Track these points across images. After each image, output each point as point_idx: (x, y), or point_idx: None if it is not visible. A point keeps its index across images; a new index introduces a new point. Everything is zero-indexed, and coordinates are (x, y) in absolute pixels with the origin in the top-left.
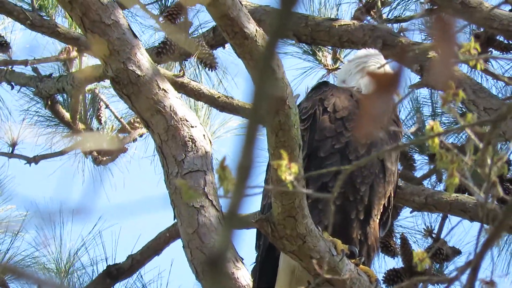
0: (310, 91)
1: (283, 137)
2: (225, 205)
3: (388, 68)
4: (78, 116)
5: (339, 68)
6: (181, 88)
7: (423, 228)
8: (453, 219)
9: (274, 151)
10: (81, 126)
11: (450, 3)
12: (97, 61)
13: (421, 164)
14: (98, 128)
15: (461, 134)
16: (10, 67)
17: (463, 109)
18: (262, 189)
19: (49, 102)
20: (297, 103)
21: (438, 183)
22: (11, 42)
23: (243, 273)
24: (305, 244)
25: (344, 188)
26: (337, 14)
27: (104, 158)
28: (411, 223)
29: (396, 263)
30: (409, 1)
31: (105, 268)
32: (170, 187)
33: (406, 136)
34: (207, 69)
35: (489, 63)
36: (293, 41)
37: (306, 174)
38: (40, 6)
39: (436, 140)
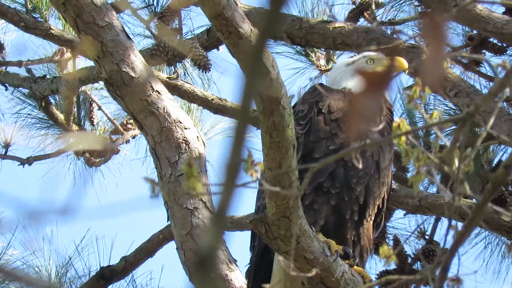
0: (305, 93)
1: (277, 137)
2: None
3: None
4: (71, 118)
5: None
6: (175, 90)
7: (417, 230)
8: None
9: (269, 152)
10: (75, 127)
11: (444, 6)
12: (91, 63)
13: (407, 164)
14: (91, 129)
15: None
16: (4, 68)
17: (456, 111)
18: (257, 191)
19: (43, 104)
20: (292, 104)
21: (431, 184)
22: (4, 43)
23: (237, 275)
24: (299, 245)
25: (339, 189)
26: (330, 15)
27: (97, 160)
28: (403, 224)
29: (389, 264)
30: (403, 3)
31: (98, 270)
32: (164, 189)
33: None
34: (201, 70)
35: (482, 65)
36: (286, 42)
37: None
38: (34, 7)
39: (403, 138)
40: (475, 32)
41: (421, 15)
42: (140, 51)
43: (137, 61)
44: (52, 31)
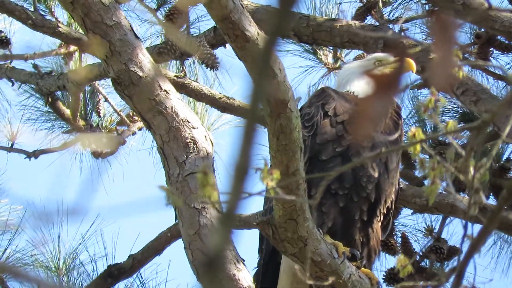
0: (312, 96)
1: (284, 140)
2: (223, 206)
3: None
4: (78, 113)
5: (340, 67)
6: (182, 88)
7: (424, 227)
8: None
9: (276, 154)
10: (81, 122)
11: (452, 4)
12: (95, 58)
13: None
14: (97, 122)
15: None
16: (9, 62)
17: (464, 109)
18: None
19: (50, 100)
20: (299, 106)
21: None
22: (10, 36)
23: (244, 275)
24: (306, 247)
25: (348, 190)
26: (337, 13)
27: (103, 151)
28: (412, 221)
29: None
30: (410, 2)
31: (106, 268)
32: (172, 188)
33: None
34: (208, 69)
35: (490, 62)
36: (294, 40)
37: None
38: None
39: (418, 147)
40: (482, 30)
41: (428, 13)
42: (147, 48)
43: (145, 60)
44: (60, 29)
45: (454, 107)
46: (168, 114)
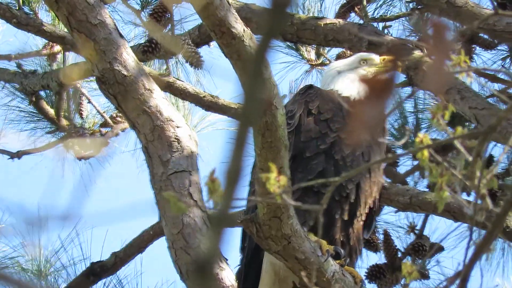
0: (295, 94)
1: (269, 137)
2: (215, 209)
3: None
4: (62, 113)
5: (323, 63)
6: (167, 87)
7: (406, 224)
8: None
9: (261, 152)
10: (65, 122)
11: (436, 2)
12: (80, 57)
13: (404, 160)
14: (81, 123)
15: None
16: None
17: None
18: (248, 191)
19: (34, 99)
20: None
21: (421, 179)
22: None
23: (227, 274)
24: (290, 245)
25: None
26: (320, 10)
27: (86, 153)
28: (393, 217)
29: (378, 258)
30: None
31: (88, 265)
32: (155, 187)
33: (391, 138)
34: (193, 67)
35: (473, 60)
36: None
37: (297, 185)
38: (23, 1)
39: (426, 153)
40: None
41: (414, 11)
42: (132, 48)
43: (130, 60)
44: (44, 28)
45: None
46: (152, 113)
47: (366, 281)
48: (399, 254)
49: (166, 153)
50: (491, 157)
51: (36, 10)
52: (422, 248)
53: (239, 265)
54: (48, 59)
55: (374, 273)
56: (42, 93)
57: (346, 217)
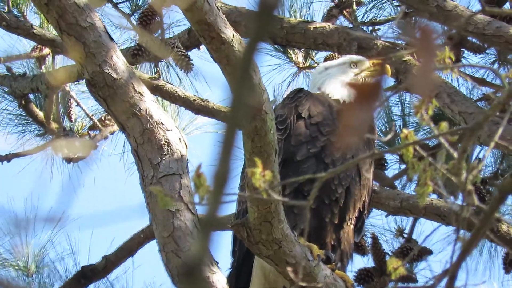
0: (285, 98)
1: (259, 142)
2: (203, 212)
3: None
4: (51, 116)
5: (311, 66)
6: (157, 90)
7: (394, 228)
8: (424, 220)
9: (250, 156)
10: (54, 125)
11: (426, 6)
12: (69, 60)
13: (392, 163)
14: (70, 126)
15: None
16: None
17: (436, 111)
18: (237, 195)
19: (23, 102)
20: (273, 108)
21: (409, 182)
22: None
23: (219, 277)
24: (281, 249)
25: (320, 192)
26: (307, 13)
27: (75, 156)
28: (381, 221)
29: (366, 261)
30: (384, 3)
31: (79, 269)
32: (146, 190)
33: (379, 141)
34: (182, 71)
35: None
36: (268, 42)
37: (283, 181)
38: (12, 3)
39: (411, 149)
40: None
41: (404, 15)
42: (122, 51)
43: (120, 63)
44: (34, 31)
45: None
46: (142, 116)
47: (355, 284)
48: (387, 258)
49: (156, 156)
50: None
51: (24, 12)
52: (411, 252)
53: (230, 268)
54: (37, 62)
55: (363, 276)
56: (31, 96)
57: (336, 221)
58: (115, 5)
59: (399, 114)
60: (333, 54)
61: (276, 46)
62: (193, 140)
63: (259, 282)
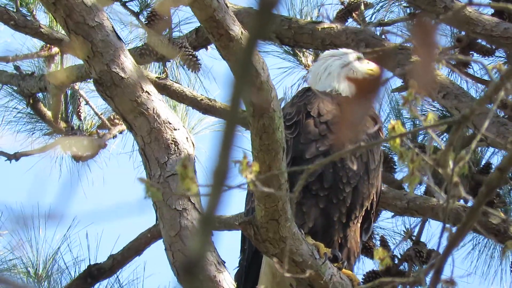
0: (294, 96)
1: (267, 140)
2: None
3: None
4: (59, 115)
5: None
6: (164, 90)
7: (404, 231)
8: (433, 222)
9: (258, 154)
10: (62, 124)
11: (434, 7)
12: (77, 60)
13: (402, 166)
14: (78, 125)
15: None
16: None
17: (444, 112)
18: (246, 194)
19: (31, 101)
20: (281, 106)
21: (418, 185)
22: None
23: (225, 276)
24: (287, 248)
25: (328, 191)
26: (318, 15)
27: (84, 155)
28: (390, 224)
29: (375, 264)
30: (392, 4)
31: (85, 268)
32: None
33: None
34: (190, 71)
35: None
36: (275, 42)
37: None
38: (21, 2)
39: (398, 140)
40: (463, 33)
41: (410, 16)
42: (129, 50)
43: (127, 62)
44: (42, 30)
45: (433, 110)
46: (149, 115)
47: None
48: (396, 261)
49: (163, 155)
50: (489, 164)
51: (33, 11)
52: (419, 255)
53: (237, 267)
54: (46, 61)
55: (371, 279)
56: (40, 95)
57: (344, 220)
58: (124, 4)
59: (409, 116)
60: None
61: (286, 48)
62: (202, 139)
63: (267, 279)
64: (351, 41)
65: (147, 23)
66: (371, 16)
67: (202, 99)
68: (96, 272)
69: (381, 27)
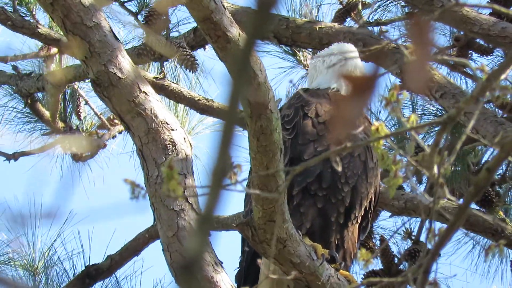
0: (291, 97)
1: (264, 141)
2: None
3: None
4: (57, 115)
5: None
6: (162, 90)
7: (403, 230)
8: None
9: (256, 155)
10: (60, 124)
11: (431, 6)
12: (77, 61)
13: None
14: (77, 125)
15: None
16: None
17: (443, 111)
18: (245, 195)
19: (29, 101)
20: (279, 107)
21: (418, 184)
22: None
23: (223, 277)
24: (285, 249)
25: (326, 191)
26: (317, 15)
27: (83, 155)
28: (390, 223)
29: (375, 264)
30: (390, 4)
31: (83, 268)
32: (150, 190)
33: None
34: (188, 71)
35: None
36: (273, 42)
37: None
38: (20, 1)
39: (381, 142)
40: (461, 33)
41: (408, 15)
42: (127, 50)
43: (125, 62)
44: (39, 30)
45: (433, 110)
46: (147, 115)
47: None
48: (395, 260)
49: (161, 156)
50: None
51: (33, 11)
52: (419, 254)
53: (238, 267)
54: (45, 61)
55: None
56: (38, 94)
57: (341, 220)
58: (122, 4)
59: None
60: None
61: (285, 48)
62: (202, 139)
63: (266, 281)
64: (348, 40)
65: (145, 22)
66: (369, 16)
67: (199, 99)
68: (94, 272)
69: (379, 27)
